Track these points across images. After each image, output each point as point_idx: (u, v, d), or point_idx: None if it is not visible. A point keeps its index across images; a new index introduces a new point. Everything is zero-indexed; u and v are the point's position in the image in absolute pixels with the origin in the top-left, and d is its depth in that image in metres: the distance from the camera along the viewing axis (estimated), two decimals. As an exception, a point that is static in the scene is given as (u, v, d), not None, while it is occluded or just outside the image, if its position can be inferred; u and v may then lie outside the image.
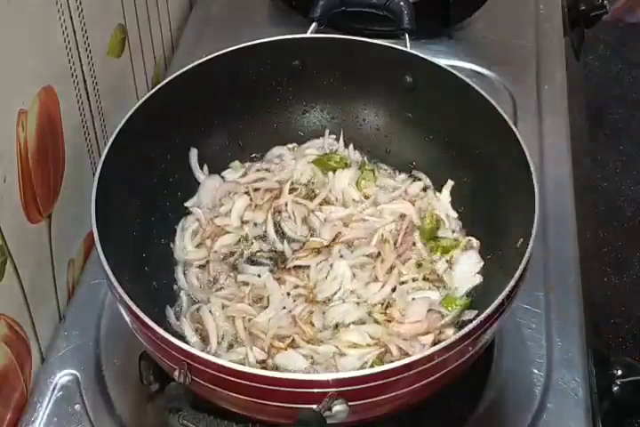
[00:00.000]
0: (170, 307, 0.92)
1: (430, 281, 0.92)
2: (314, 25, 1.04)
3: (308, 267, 0.93)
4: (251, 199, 1.00)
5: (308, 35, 1.03)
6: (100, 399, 0.91)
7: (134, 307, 0.74)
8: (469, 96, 0.93)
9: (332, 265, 0.93)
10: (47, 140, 0.92)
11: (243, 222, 0.99)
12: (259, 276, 0.93)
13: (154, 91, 0.93)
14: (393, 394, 0.72)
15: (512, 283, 0.75)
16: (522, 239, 0.81)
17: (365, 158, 1.06)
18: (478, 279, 0.91)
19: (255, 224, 0.98)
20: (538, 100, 1.22)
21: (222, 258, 0.95)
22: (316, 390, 0.70)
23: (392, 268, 0.93)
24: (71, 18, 0.95)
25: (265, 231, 0.98)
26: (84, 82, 1.02)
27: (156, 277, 0.94)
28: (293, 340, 0.87)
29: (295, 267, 0.94)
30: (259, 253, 0.96)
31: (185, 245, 0.97)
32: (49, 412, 0.90)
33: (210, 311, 0.90)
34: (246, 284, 0.93)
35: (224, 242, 0.96)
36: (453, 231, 0.98)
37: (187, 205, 1.01)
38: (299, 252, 0.96)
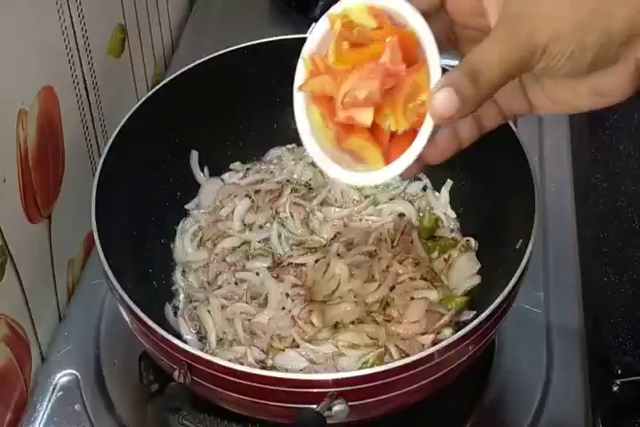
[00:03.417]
0: (168, 304, 0.92)
1: (428, 280, 0.92)
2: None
3: (305, 265, 0.93)
4: (252, 201, 1.00)
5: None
6: (100, 399, 0.91)
7: (134, 307, 0.74)
8: (469, 96, 0.93)
9: (329, 264, 0.93)
10: (47, 140, 0.92)
11: (244, 225, 0.99)
12: (257, 274, 0.93)
13: (154, 91, 0.93)
14: (393, 394, 0.72)
15: (511, 284, 0.75)
16: (521, 240, 0.81)
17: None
18: (476, 280, 0.91)
19: (260, 227, 0.98)
20: (538, 100, 1.22)
21: (223, 259, 0.96)
22: (315, 390, 0.70)
23: (389, 267, 0.93)
24: (71, 18, 0.95)
25: (268, 238, 0.98)
26: (84, 82, 1.02)
27: (156, 277, 0.94)
28: (293, 340, 0.87)
29: (293, 265, 0.94)
30: (259, 252, 0.97)
31: (185, 247, 0.97)
32: (49, 412, 0.90)
33: (208, 311, 0.90)
34: (244, 281, 0.93)
35: (226, 245, 0.96)
36: (452, 231, 0.98)
37: (187, 207, 1.01)
38: (296, 250, 0.96)
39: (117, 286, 0.76)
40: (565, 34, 0.55)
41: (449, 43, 0.66)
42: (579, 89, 0.60)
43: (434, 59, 0.59)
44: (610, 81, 0.58)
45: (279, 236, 0.97)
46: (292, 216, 0.99)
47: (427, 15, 0.61)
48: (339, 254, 0.94)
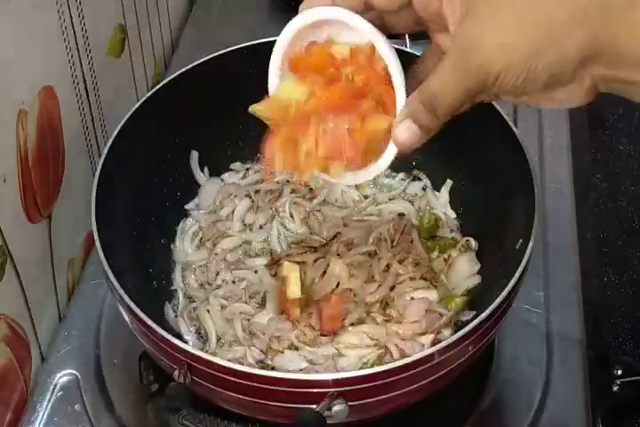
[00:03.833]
0: (168, 304, 0.92)
1: (428, 280, 0.92)
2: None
3: (304, 264, 0.93)
4: (252, 202, 1.00)
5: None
6: (100, 399, 0.91)
7: (134, 307, 0.74)
8: (469, 96, 0.93)
9: (328, 263, 0.93)
10: (47, 140, 0.92)
11: (244, 225, 0.99)
12: (255, 272, 0.93)
13: (154, 91, 0.93)
14: (393, 394, 0.72)
15: (511, 284, 0.75)
16: (521, 240, 0.81)
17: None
18: (476, 280, 0.91)
19: (260, 227, 0.98)
20: (538, 99, 1.22)
21: (222, 259, 0.96)
22: (315, 390, 0.70)
23: (389, 267, 0.93)
24: (71, 18, 0.95)
25: (268, 238, 0.98)
26: (84, 82, 1.02)
27: (156, 276, 0.94)
28: (292, 342, 0.87)
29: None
30: (259, 252, 0.97)
31: (185, 247, 0.97)
32: (49, 412, 0.90)
33: (208, 311, 0.90)
34: (242, 280, 0.93)
35: (225, 245, 0.96)
36: (452, 231, 0.98)
37: (187, 207, 1.01)
38: (295, 248, 0.96)
39: (117, 286, 0.76)
40: (517, 63, 0.57)
41: (418, 26, 0.68)
42: (538, 96, 0.61)
43: (397, 78, 0.65)
44: (566, 96, 0.60)
45: (279, 236, 0.97)
46: (291, 216, 0.99)
47: (395, 11, 0.65)
48: (338, 254, 0.94)
